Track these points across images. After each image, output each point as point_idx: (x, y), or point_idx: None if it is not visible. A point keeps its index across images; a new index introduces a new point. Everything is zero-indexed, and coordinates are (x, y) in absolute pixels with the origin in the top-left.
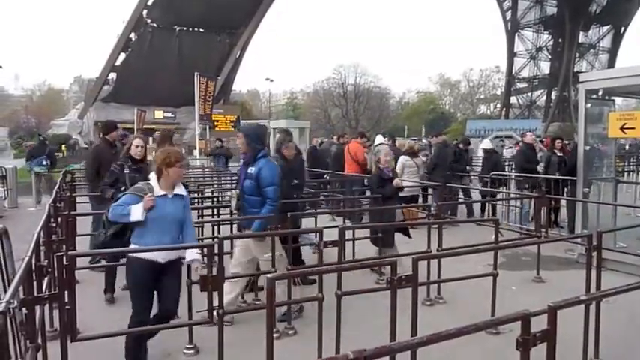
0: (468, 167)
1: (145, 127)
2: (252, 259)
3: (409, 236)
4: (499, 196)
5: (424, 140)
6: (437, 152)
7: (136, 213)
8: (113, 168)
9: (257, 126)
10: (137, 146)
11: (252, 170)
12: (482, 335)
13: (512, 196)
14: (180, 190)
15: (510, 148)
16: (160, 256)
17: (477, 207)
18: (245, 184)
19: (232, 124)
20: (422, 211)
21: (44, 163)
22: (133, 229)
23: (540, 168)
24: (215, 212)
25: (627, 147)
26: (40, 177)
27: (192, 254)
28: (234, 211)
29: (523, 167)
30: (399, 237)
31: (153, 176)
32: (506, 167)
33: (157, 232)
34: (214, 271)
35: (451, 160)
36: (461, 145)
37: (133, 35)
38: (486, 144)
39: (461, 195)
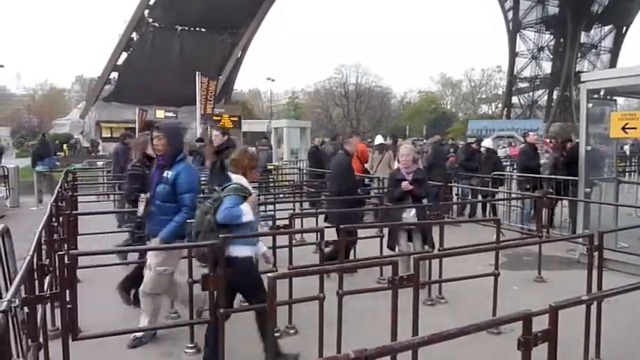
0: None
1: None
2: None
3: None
4: (500, 196)
5: (423, 141)
6: (432, 152)
7: (249, 213)
8: (134, 170)
9: (178, 124)
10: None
11: (168, 174)
12: (484, 335)
13: (513, 195)
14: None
15: (504, 147)
16: (255, 252)
17: (478, 206)
18: (158, 189)
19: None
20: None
21: (57, 163)
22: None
23: (547, 169)
24: None
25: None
26: (42, 176)
27: (263, 247)
28: (141, 218)
29: (525, 166)
30: None
31: (241, 177)
32: (508, 167)
33: (250, 230)
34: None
35: (463, 159)
36: (474, 145)
37: (134, 35)
38: (488, 143)
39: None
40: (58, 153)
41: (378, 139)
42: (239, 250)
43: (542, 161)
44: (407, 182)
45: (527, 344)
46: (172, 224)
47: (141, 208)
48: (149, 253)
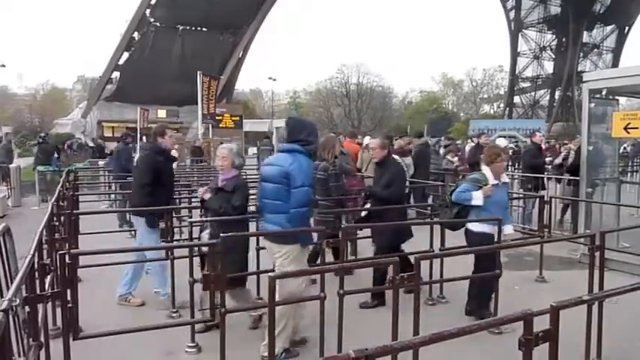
0: None
1: (148, 125)
2: None
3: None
4: None
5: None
6: (417, 153)
7: (478, 198)
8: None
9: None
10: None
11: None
12: (485, 335)
13: (514, 195)
14: (504, 178)
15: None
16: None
17: None
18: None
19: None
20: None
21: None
22: None
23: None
24: None
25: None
26: (44, 176)
27: (509, 229)
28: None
29: (530, 165)
30: None
31: (487, 169)
32: (509, 167)
33: (493, 214)
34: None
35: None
36: (479, 140)
37: (136, 34)
38: (502, 142)
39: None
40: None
41: (367, 140)
42: (476, 226)
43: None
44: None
45: (528, 344)
46: None
47: None
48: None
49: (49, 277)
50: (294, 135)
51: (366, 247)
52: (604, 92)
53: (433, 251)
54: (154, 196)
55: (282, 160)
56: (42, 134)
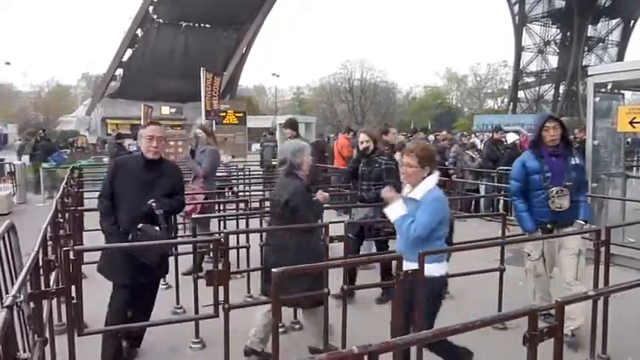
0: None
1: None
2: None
3: None
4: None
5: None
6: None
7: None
8: (389, 165)
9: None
10: (361, 142)
11: (576, 160)
12: (489, 331)
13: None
14: (420, 190)
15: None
16: None
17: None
18: (573, 175)
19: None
20: None
21: (65, 156)
22: None
23: None
24: (222, 207)
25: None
26: (49, 173)
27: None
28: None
29: None
30: None
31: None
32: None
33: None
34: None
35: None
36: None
37: (139, 31)
38: (513, 137)
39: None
40: (62, 150)
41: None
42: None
43: None
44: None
45: (533, 340)
46: (586, 205)
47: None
48: (575, 240)
49: (53, 273)
50: None
51: (368, 244)
52: (609, 86)
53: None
54: None
55: None
56: (42, 131)
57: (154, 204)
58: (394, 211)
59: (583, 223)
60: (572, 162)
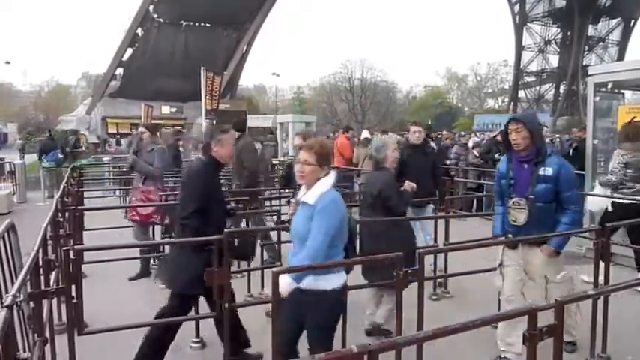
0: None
1: (152, 122)
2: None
3: None
4: None
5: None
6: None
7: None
8: None
9: (534, 113)
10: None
11: (546, 171)
12: (489, 330)
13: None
14: (313, 194)
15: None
16: None
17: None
18: (538, 189)
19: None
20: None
21: (59, 156)
22: None
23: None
24: None
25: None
26: (50, 172)
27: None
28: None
29: None
30: None
31: None
32: None
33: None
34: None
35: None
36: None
37: (139, 30)
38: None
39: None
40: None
41: (364, 134)
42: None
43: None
44: (410, 182)
45: (532, 339)
46: (568, 228)
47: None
48: (541, 263)
49: (53, 272)
50: None
51: None
52: (609, 86)
53: (437, 246)
54: None
55: None
56: (48, 131)
57: None
58: (285, 284)
59: (552, 249)
60: (541, 172)
